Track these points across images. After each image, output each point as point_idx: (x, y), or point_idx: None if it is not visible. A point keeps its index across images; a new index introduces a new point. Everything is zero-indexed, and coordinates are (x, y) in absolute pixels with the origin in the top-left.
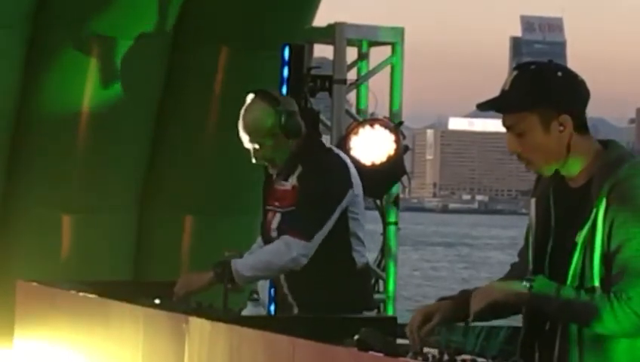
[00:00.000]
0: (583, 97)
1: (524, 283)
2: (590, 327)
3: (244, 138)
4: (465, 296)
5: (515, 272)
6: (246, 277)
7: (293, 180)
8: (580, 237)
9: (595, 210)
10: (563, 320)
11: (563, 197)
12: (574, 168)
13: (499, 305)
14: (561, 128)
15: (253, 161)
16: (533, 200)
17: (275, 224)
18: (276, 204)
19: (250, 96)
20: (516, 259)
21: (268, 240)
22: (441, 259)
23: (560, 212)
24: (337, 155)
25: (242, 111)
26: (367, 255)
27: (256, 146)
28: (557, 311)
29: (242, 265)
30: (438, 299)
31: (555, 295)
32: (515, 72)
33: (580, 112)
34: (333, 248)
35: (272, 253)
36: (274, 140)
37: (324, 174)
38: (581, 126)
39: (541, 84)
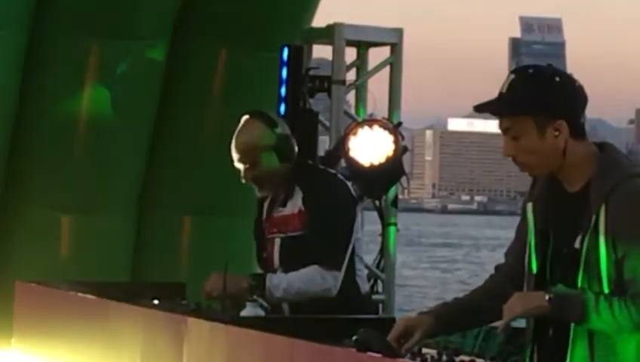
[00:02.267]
0: (580, 103)
1: (545, 295)
2: (611, 332)
3: (235, 156)
4: (444, 308)
5: (501, 275)
6: (276, 297)
7: (295, 205)
8: (584, 244)
9: (595, 217)
10: (584, 326)
11: (560, 201)
12: (570, 173)
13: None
14: (557, 133)
15: (243, 181)
16: (529, 205)
17: (276, 249)
18: (275, 230)
19: (245, 117)
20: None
21: (270, 269)
22: (440, 259)
23: (557, 217)
24: (335, 175)
25: (237, 130)
26: (366, 257)
27: (247, 166)
28: (578, 318)
29: (275, 286)
30: (419, 312)
31: (575, 304)
32: (512, 76)
33: (576, 118)
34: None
35: (306, 282)
36: (265, 161)
37: (334, 197)
38: (577, 131)
39: (538, 89)
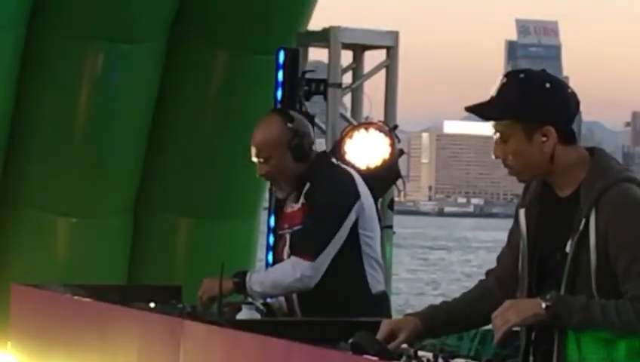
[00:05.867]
0: (569, 109)
1: (541, 302)
2: (612, 333)
3: (252, 151)
4: (431, 310)
5: (490, 280)
6: (256, 291)
7: (302, 199)
8: (572, 247)
9: (584, 219)
10: (583, 332)
11: (551, 206)
12: (561, 178)
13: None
14: (544, 139)
15: (257, 175)
16: (522, 211)
17: (286, 246)
18: (285, 226)
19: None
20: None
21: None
22: (437, 262)
23: (549, 221)
24: (344, 168)
25: (257, 125)
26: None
27: (262, 160)
28: (579, 324)
29: (254, 280)
30: (405, 314)
31: (574, 310)
32: (503, 80)
33: (565, 124)
34: (345, 270)
35: (279, 272)
36: (280, 158)
37: (329, 186)
38: (567, 137)
39: (525, 95)
